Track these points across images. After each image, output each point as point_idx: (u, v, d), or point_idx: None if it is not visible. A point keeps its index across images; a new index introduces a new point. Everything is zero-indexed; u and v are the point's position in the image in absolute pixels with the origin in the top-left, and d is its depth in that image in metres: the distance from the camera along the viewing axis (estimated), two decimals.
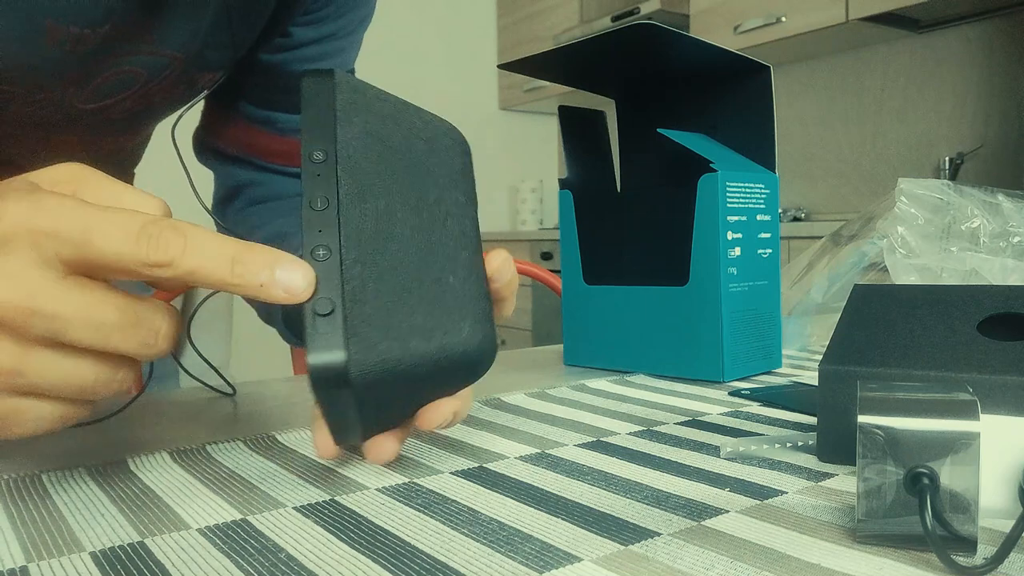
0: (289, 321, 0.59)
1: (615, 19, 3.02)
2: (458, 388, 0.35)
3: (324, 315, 0.29)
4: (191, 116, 0.79)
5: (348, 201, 0.31)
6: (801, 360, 0.65)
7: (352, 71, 0.70)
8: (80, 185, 0.31)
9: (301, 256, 0.30)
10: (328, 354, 0.29)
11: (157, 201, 0.32)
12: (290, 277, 0.29)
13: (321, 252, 0.30)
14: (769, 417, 0.45)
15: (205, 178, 0.73)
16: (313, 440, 0.36)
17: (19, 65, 0.48)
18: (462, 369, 0.33)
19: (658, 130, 0.57)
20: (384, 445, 0.34)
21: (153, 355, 0.30)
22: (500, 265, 0.36)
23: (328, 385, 0.29)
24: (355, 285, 0.30)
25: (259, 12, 0.58)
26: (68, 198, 0.28)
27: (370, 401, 0.31)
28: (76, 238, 0.27)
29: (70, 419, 0.31)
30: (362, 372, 0.29)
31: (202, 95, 0.63)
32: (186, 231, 0.28)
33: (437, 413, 0.34)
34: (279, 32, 0.62)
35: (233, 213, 0.71)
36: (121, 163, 0.72)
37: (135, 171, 0.80)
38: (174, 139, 0.69)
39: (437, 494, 0.32)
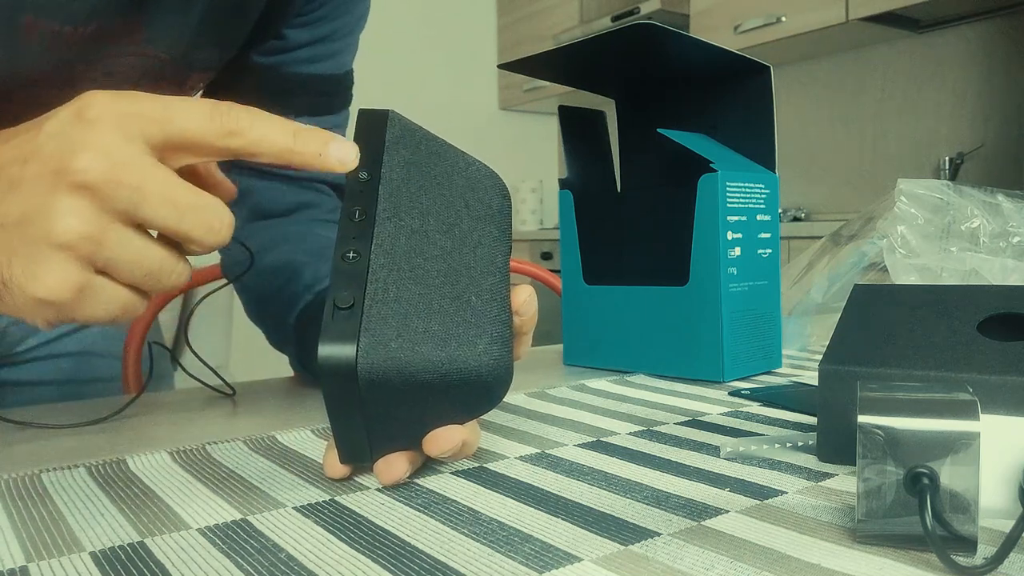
0: (304, 360, 0.59)
1: (615, 19, 3.02)
2: (468, 413, 0.34)
3: (343, 309, 0.31)
4: None
5: (384, 217, 0.34)
6: (801, 360, 0.65)
7: (351, 72, 0.70)
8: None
9: (333, 261, 0.32)
10: (339, 346, 0.30)
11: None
12: (342, 150, 0.34)
13: (351, 255, 0.32)
14: (769, 417, 0.45)
15: None
16: (323, 462, 0.35)
17: None
18: (473, 388, 0.33)
19: (658, 130, 0.57)
20: (394, 463, 0.34)
21: (216, 242, 0.33)
22: (526, 299, 0.36)
23: (335, 377, 0.30)
24: (378, 287, 0.32)
25: (247, 13, 0.58)
26: (142, 93, 0.32)
27: (376, 402, 0.31)
28: (159, 116, 0.31)
29: (132, 309, 0.34)
30: (369, 367, 0.30)
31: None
32: (251, 109, 0.32)
33: (445, 438, 0.34)
34: (273, 34, 0.62)
35: (237, 222, 0.71)
36: None
37: None
38: None
39: (437, 494, 0.32)
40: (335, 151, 0.33)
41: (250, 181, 0.69)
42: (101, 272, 0.32)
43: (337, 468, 0.35)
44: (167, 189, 0.31)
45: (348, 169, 0.34)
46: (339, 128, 0.70)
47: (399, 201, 0.35)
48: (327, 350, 0.30)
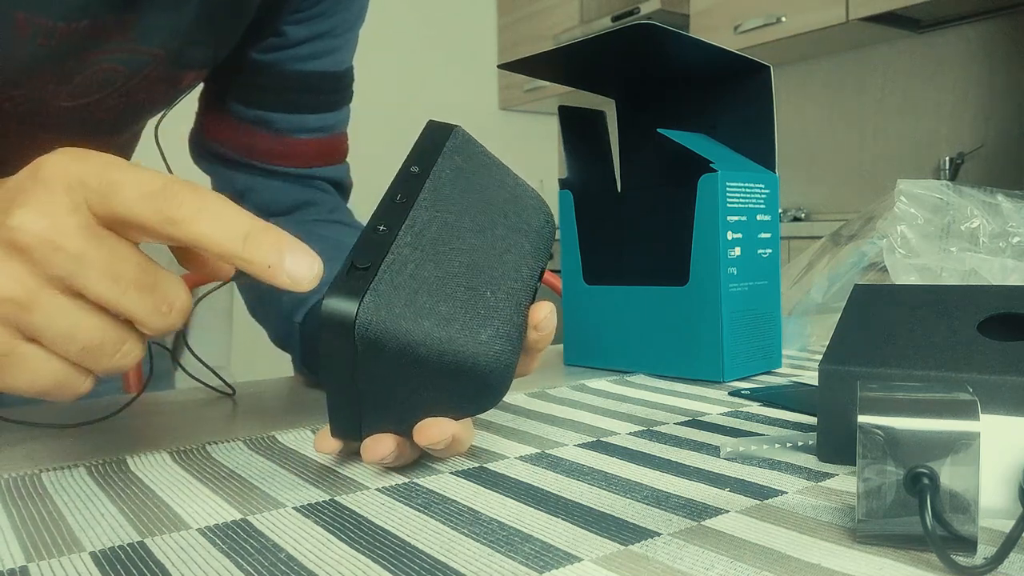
0: (308, 362, 0.59)
1: (615, 19, 3.02)
2: (462, 408, 0.34)
3: (359, 268, 0.31)
4: (177, 117, 0.79)
5: (422, 205, 0.34)
6: (801, 360, 0.65)
7: (351, 69, 0.70)
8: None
9: (364, 229, 0.32)
10: (343, 300, 0.30)
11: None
12: (298, 265, 0.29)
13: (381, 228, 0.33)
14: (769, 417, 0.45)
15: (189, 174, 0.72)
16: (315, 437, 0.36)
17: None
18: (469, 379, 0.32)
19: (658, 130, 0.57)
20: (382, 441, 0.34)
21: (163, 326, 0.30)
22: (547, 316, 0.36)
23: (333, 330, 0.30)
24: (397, 258, 0.32)
25: (243, 10, 0.58)
26: (108, 156, 0.30)
27: (370, 368, 0.31)
28: (103, 188, 0.28)
29: (68, 386, 0.31)
30: (367, 324, 0.30)
31: (185, 94, 0.63)
32: (205, 196, 0.29)
33: (436, 429, 0.33)
34: (270, 31, 0.62)
35: None
36: None
37: None
38: (157, 140, 0.69)
39: (437, 494, 0.32)
40: (290, 264, 0.29)
41: (251, 179, 0.68)
42: (31, 340, 0.29)
43: (328, 442, 0.35)
44: (111, 261, 0.29)
45: (301, 289, 0.29)
46: (340, 125, 0.70)
47: (440, 195, 0.36)
48: (331, 303, 0.30)
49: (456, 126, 0.39)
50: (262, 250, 0.29)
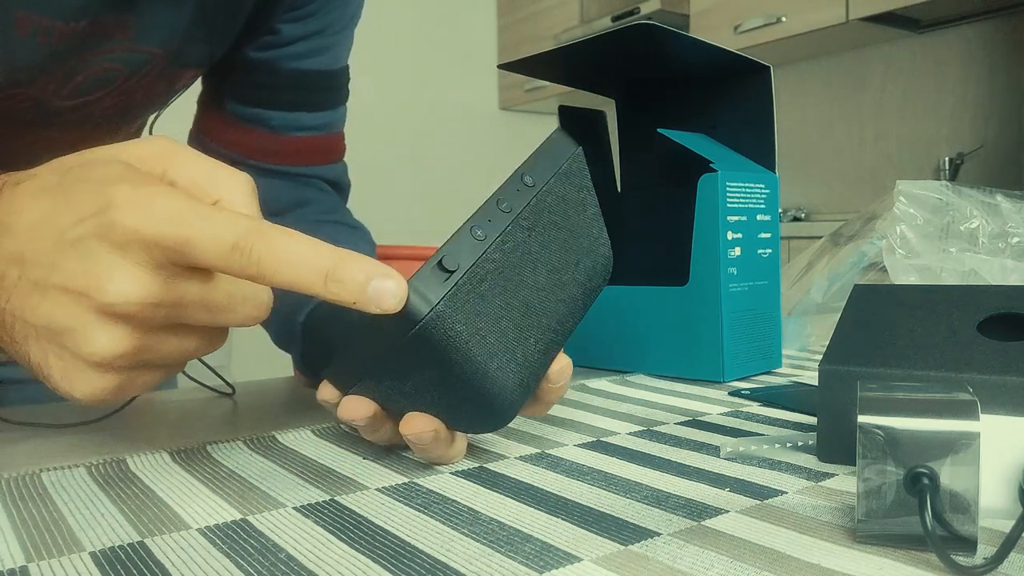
0: (309, 362, 0.59)
1: (615, 19, 3.02)
2: (457, 422, 0.35)
3: (445, 270, 0.31)
4: (176, 114, 0.79)
5: (522, 223, 0.35)
6: (801, 360, 0.65)
7: (346, 68, 0.70)
8: (170, 163, 0.32)
9: (461, 228, 0.33)
10: (419, 297, 0.30)
11: (244, 177, 0.34)
12: (382, 296, 0.29)
13: (479, 233, 0.33)
14: (769, 417, 0.45)
15: None
16: (319, 389, 0.37)
17: None
18: (478, 409, 0.34)
19: (658, 130, 0.57)
20: (360, 404, 0.35)
21: (253, 324, 0.33)
22: (560, 370, 0.37)
23: (393, 318, 0.30)
24: (478, 274, 0.32)
25: (239, 8, 0.58)
26: (168, 194, 0.29)
27: (398, 355, 0.32)
28: (178, 249, 0.29)
29: (167, 377, 0.34)
30: (427, 327, 0.30)
31: (181, 92, 0.63)
32: (279, 244, 0.29)
33: (422, 423, 0.34)
34: (266, 30, 0.62)
35: None
36: None
37: None
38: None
39: (437, 494, 0.32)
40: (373, 295, 0.29)
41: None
42: (141, 367, 0.32)
43: (328, 390, 0.37)
44: (202, 297, 0.31)
45: (389, 311, 0.29)
46: (336, 124, 0.70)
47: (539, 220, 0.36)
48: (410, 292, 0.30)
49: (580, 147, 0.40)
50: (345, 288, 0.29)
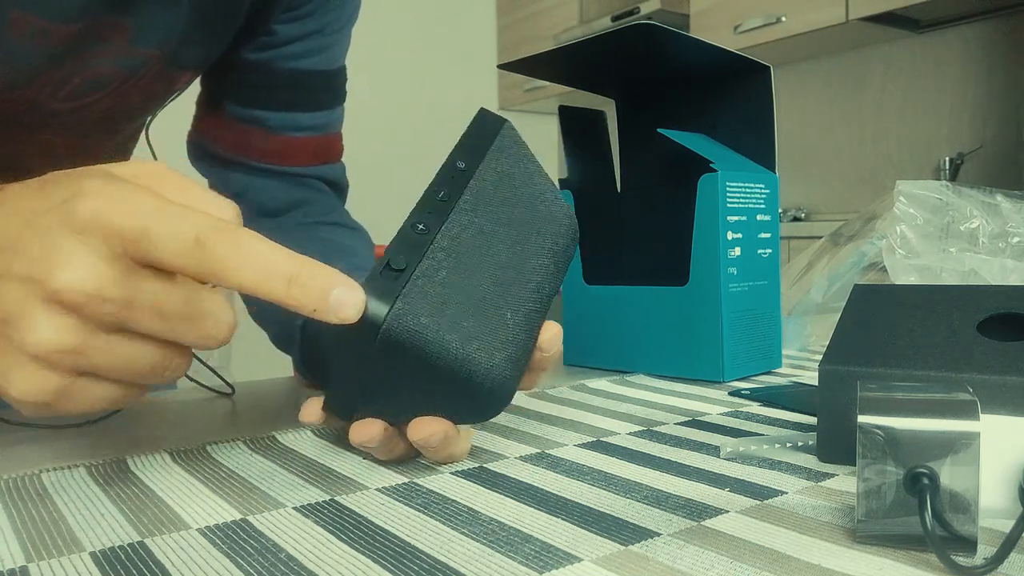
0: (308, 363, 0.59)
1: (615, 19, 3.02)
2: (456, 415, 0.35)
3: (394, 270, 0.31)
4: (174, 117, 0.79)
5: (463, 208, 0.34)
6: (801, 360, 0.65)
7: (343, 68, 0.70)
8: (159, 183, 0.31)
9: (403, 226, 0.33)
10: (373, 302, 0.30)
11: (229, 203, 0.32)
12: (342, 305, 0.29)
13: (420, 227, 0.33)
14: (769, 417, 0.45)
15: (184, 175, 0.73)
16: (302, 409, 0.37)
17: None
18: (474, 395, 0.33)
19: (658, 130, 0.57)
20: (369, 426, 0.35)
21: (213, 346, 0.30)
22: (551, 337, 0.37)
23: (355, 326, 0.30)
24: (431, 265, 0.32)
25: (235, 10, 0.59)
26: (140, 191, 0.29)
27: (382, 364, 0.32)
28: (139, 240, 0.28)
29: (121, 401, 0.31)
30: (391, 331, 0.30)
31: (178, 93, 0.63)
32: (243, 244, 0.28)
33: (430, 426, 0.34)
34: (262, 31, 0.62)
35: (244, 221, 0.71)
36: (108, 161, 0.72)
37: None
38: (148, 140, 0.70)
39: (437, 494, 0.32)
40: (335, 304, 0.29)
41: (247, 179, 0.69)
42: (86, 374, 0.30)
43: (314, 413, 0.36)
44: (156, 300, 0.29)
45: (347, 321, 0.29)
46: (334, 124, 0.70)
47: (482, 199, 0.36)
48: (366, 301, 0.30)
49: (506, 121, 0.39)
50: (307, 295, 0.29)
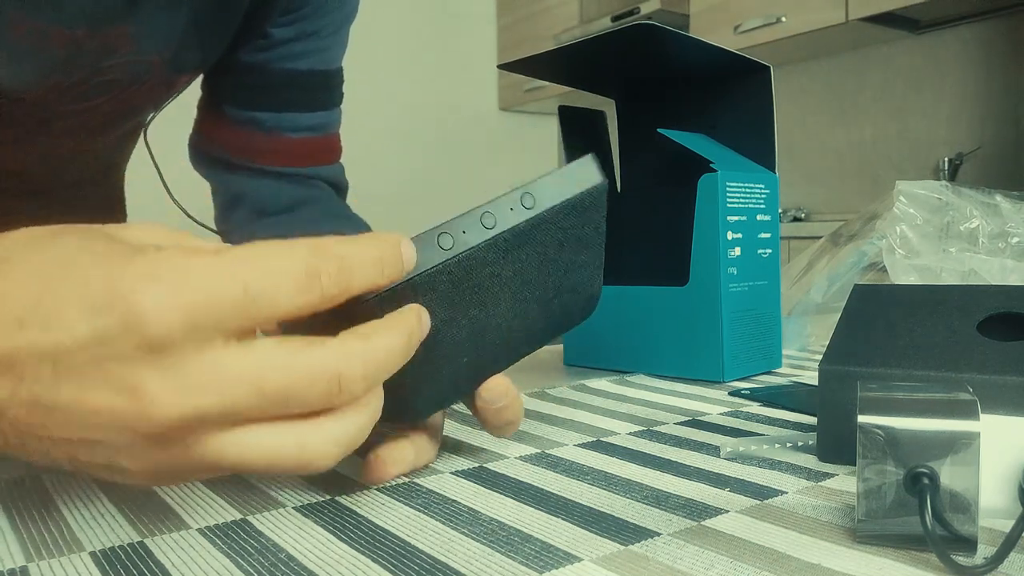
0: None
1: (615, 19, 3.02)
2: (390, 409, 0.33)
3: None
4: (171, 121, 0.79)
5: (500, 243, 0.31)
6: (801, 360, 0.65)
7: (340, 69, 0.70)
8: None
9: (430, 230, 0.30)
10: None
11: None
12: (409, 257, 0.28)
13: (446, 242, 0.30)
14: (769, 417, 0.45)
15: (182, 177, 0.73)
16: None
17: None
18: (396, 404, 0.31)
19: (658, 130, 0.57)
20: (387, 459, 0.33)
21: (342, 404, 0.26)
22: (493, 388, 0.35)
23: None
24: (429, 283, 0.30)
25: (233, 12, 0.59)
26: (206, 255, 0.24)
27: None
28: (238, 304, 0.23)
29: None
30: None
31: (173, 97, 0.64)
32: (341, 258, 0.26)
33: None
34: (259, 33, 0.62)
35: (239, 222, 0.71)
36: (108, 160, 0.72)
37: (126, 169, 0.79)
38: (147, 143, 0.70)
39: (437, 494, 0.32)
40: (407, 258, 0.28)
41: (248, 181, 0.69)
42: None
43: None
44: (255, 384, 0.24)
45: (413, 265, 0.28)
46: (332, 125, 0.70)
47: (522, 247, 0.33)
48: None
49: (604, 180, 0.35)
50: (394, 265, 0.28)
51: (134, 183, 0.84)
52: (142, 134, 0.71)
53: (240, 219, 0.71)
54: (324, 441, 0.26)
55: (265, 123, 0.66)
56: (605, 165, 0.69)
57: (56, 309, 0.22)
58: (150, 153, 0.69)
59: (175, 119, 0.79)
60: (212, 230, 0.72)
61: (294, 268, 0.24)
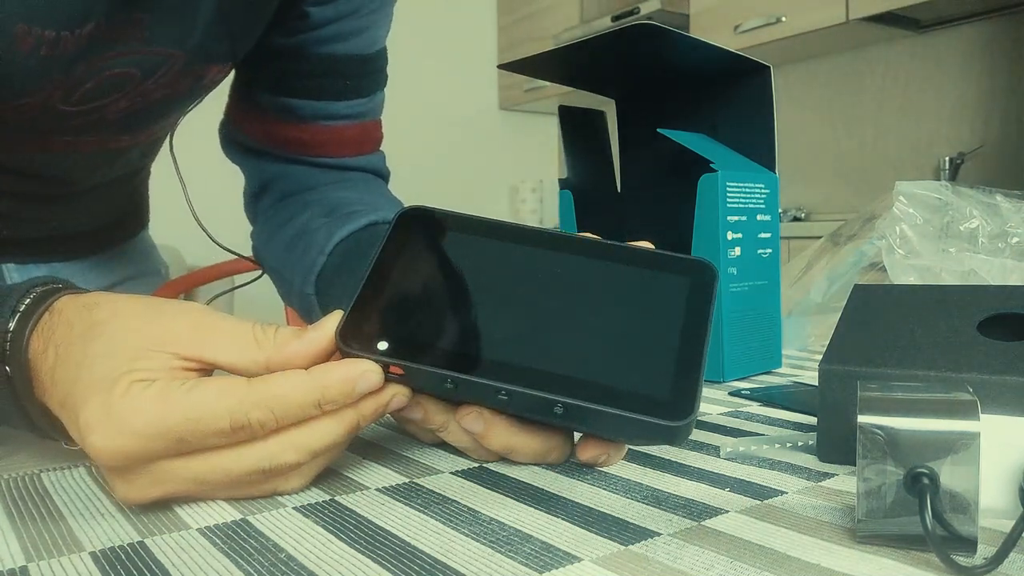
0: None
1: (615, 19, 3.02)
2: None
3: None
4: (192, 130, 0.78)
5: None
6: (801, 360, 0.65)
7: (383, 50, 0.66)
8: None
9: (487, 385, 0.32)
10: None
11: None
12: (365, 387, 0.31)
13: (503, 396, 0.32)
14: (769, 417, 0.45)
15: (206, 182, 0.72)
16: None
17: None
18: None
19: (658, 130, 0.57)
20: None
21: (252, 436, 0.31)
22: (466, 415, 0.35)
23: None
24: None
25: (263, 1, 0.57)
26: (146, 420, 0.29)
27: None
28: (170, 451, 0.30)
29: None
30: None
31: (210, 89, 0.62)
32: (272, 407, 0.30)
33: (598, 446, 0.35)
34: (295, 14, 0.60)
35: (266, 208, 0.70)
36: (129, 163, 0.69)
37: (151, 167, 0.77)
38: (172, 151, 0.67)
39: (437, 494, 0.32)
40: (362, 390, 0.31)
41: (278, 167, 0.67)
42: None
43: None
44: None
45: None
46: (373, 112, 0.68)
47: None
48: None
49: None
50: (339, 402, 0.31)
51: (162, 184, 0.82)
52: (169, 142, 0.69)
53: (265, 207, 0.69)
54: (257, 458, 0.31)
55: (297, 111, 0.63)
56: (605, 165, 0.69)
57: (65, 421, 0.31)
58: (175, 164, 0.66)
59: (200, 128, 0.78)
60: (236, 254, 0.70)
61: (219, 424, 0.29)
